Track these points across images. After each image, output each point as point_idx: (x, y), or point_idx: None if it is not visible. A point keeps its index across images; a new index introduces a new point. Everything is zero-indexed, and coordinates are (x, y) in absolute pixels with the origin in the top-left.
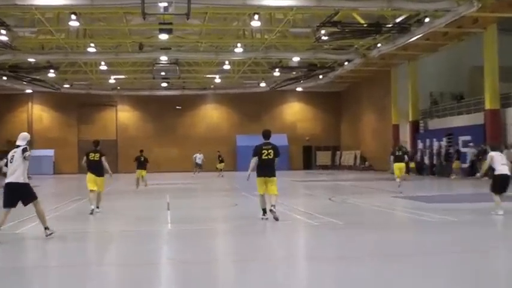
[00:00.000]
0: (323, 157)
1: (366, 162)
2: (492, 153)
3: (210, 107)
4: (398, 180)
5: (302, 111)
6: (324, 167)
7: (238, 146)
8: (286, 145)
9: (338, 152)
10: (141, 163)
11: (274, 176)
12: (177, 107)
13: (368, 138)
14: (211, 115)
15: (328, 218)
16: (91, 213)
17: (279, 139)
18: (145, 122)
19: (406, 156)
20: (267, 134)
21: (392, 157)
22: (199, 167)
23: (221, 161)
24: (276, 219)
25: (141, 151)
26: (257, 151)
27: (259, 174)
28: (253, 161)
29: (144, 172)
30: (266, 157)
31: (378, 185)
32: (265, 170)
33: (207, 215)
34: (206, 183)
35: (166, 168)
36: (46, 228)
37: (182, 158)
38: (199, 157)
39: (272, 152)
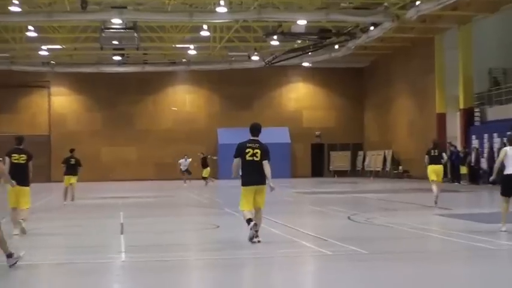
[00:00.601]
0: (340, 160)
1: (400, 167)
2: (506, 148)
3: (182, 89)
4: (434, 189)
5: (310, 96)
6: (341, 174)
7: (221, 144)
8: (287, 143)
9: (360, 153)
10: (71, 167)
11: (263, 183)
12: (173, 108)
13: (402, 133)
14: (183, 101)
15: (348, 245)
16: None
17: (277, 134)
18: (90, 110)
19: (444, 155)
20: (255, 129)
21: (427, 157)
22: (188, 174)
23: (205, 166)
24: (257, 241)
25: (72, 150)
26: (240, 150)
27: (245, 182)
28: (236, 163)
29: (73, 179)
30: (251, 158)
31: (417, 199)
32: (253, 175)
33: (177, 240)
34: (179, 196)
35: (120, 176)
36: None
37: (142, 161)
38: (184, 164)
39: (259, 152)
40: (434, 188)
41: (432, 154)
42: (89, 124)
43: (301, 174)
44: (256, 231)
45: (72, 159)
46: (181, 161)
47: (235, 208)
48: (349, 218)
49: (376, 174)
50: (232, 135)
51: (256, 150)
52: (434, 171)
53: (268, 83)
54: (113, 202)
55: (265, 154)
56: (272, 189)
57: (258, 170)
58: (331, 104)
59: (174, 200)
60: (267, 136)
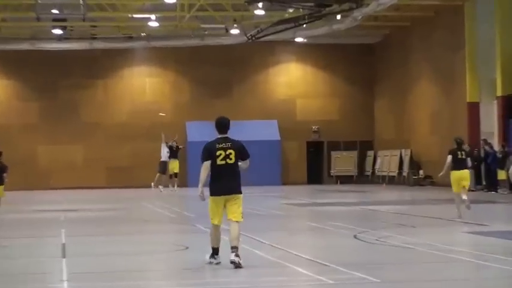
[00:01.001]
0: (343, 162)
1: (421, 171)
2: None
3: (141, 72)
4: (461, 197)
5: (305, 80)
6: (345, 180)
7: (191, 141)
8: (276, 140)
9: (370, 153)
10: None
11: (238, 191)
12: (161, 114)
13: (424, 128)
14: (142, 87)
15: (354, 272)
16: None
17: (263, 130)
18: (23, 99)
19: (469, 161)
20: (222, 126)
21: (450, 159)
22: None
23: (174, 156)
24: (239, 265)
25: None
26: (209, 152)
27: (213, 191)
28: (205, 168)
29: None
30: (223, 161)
31: (442, 212)
32: (224, 182)
33: (134, 266)
34: (138, 209)
35: (62, 183)
36: None
37: (91, 163)
38: (165, 154)
39: (233, 152)
40: (460, 196)
41: (459, 157)
42: (21, 116)
43: (294, 181)
44: (237, 254)
45: None
46: (163, 149)
47: (209, 223)
48: (355, 236)
49: (390, 181)
50: (205, 131)
51: (229, 151)
52: (459, 178)
53: (251, 64)
54: (53, 216)
55: (242, 152)
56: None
57: (231, 175)
58: (333, 90)
59: (131, 214)
60: (249, 132)
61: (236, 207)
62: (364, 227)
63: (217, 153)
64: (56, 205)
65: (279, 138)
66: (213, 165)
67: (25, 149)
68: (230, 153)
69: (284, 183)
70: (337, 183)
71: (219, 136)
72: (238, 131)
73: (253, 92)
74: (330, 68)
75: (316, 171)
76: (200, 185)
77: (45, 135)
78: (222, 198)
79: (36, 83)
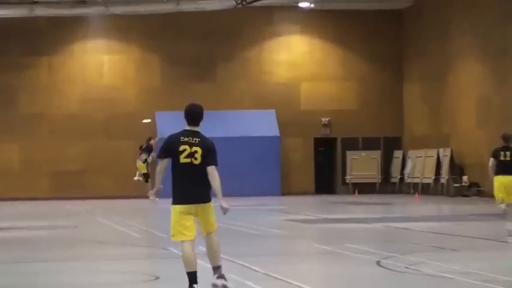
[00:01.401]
0: (363, 165)
1: (464, 177)
2: None
3: (97, 47)
4: (503, 205)
5: (313, 58)
6: (365, 188)
7: (162, 138)
8: (274, 137)
9: (398, 154)
10: None
11: (208, 199)
12: (145, 121)
13: (468, 120)
14: (99, 67)
15: None
16: None
17: (256, 123)
18: None
19: None
20: (194, 115)
21: (492, 161)
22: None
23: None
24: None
25: None
26: (169, 147)
27: (177, 198)
28: (161, 166)
29: None
30: (188, 160)
31: (491, 230)
32: (191, 187)
33: None
34: (92, 227)
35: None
36: None
37: (30, 166)
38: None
39: (199, 151)
40: (506, 210)
41: (502, 158)
42: None
43: (298, 190)
44: (221, 275)
45: None
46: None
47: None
48: (379, 263)
49: (425, 190)
50: (181, 123)
51: (195, 148)
52: (504, 185)
53: (241, 37)
54: None
55: (210, 155)
56: (224, 210)
57: (198, 179)
58: (348, 71)
59: (83, 234)
60: (239, 126)
61: (209, 216)
62: (390, 250)
63: (181, 148)
64: None
65: (277, 133)
66: (175, 164)
67: None
68: (196, 152)
69: (285, 193)
70: (354, 193)
71: (187, 128)
72: (224, 125)
73: (243, 73)
74: (345, 42)
75: (326, 178)
76: (157, 183)
77: None
78: (189, 208)
79: None
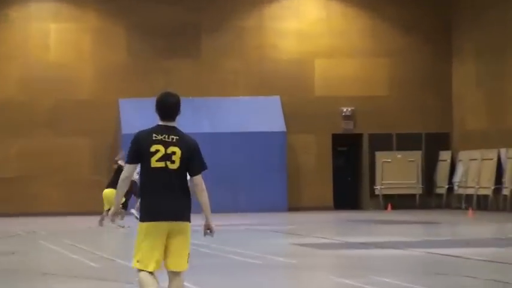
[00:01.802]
0: (399, 170)
1: None
2: None
3: (41, 12)
4: None
5: (330, 27)
6: (402, 201)
7: (126, 134)
8: (279, 132)
9: (445, 155)
10: None
11: (185, 218)
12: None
13: None
14: (43, 37)
15: None
16: None
17: (256, 114)
18: None
19: None
20: (167, 105)
21: None
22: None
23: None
24: None
25: None
26: (138, 147)
27: (145, 213)
28: (127, 174)
29: None
30: (161, 164)
31: None
32: (165, 199)
33: None
34: (34, 252)
35: None
36: None
37: None
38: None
39: (178, 152)
40: None
41: None
42: None
43: (312, 203)
44: None
45: None
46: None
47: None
48: None
49: (482, 203)
50: (153, 115)
51: (172, 149)
52: None
53: (234, 2)
54: None
55: (193, 158)
56: (208, 232)
57: (174, 188)
58: (379, 45)
59: (22, 262)
60: (230, 118)
61: (181, 245)
62: (435, 286)
63: (153, 148)
64: None
65: (283, 128)
66: (145, 169)
67: None
68: (173, 153)
69: (293, 209)
70: (386, 208)
71: (161, 123)
72: (211, 116)
73: (237, 47)
74: (373, 5)
75: (349, 188)
76: (116, 203)
77: None
78: (161, 226)
79: None
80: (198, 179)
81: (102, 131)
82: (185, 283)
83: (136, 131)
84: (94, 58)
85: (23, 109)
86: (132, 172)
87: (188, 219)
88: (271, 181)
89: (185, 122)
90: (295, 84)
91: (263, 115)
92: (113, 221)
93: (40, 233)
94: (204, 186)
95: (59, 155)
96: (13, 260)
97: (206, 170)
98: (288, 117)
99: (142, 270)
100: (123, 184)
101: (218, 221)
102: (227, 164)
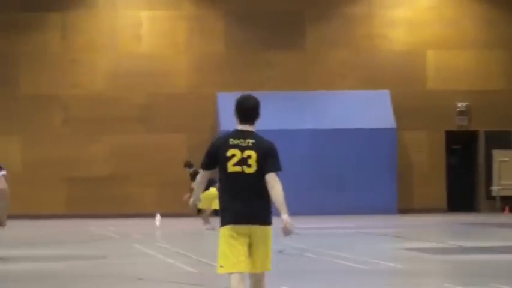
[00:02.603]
0: None
1: None
2: None
3: (132, 2)
4: None
5: (443, 16)
6: None
7: (224, 129)
8: (388, 128)
9: None
10: None
11: (266, 221)
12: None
13: None
14: (135, 27)
15: None
16: None
17: (363, 108)
18: None
19: None
20: (245, 108)
21: None
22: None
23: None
24: None
25: None
26: (214, 153)
27: (225, 218)
28: (201, 179)
29: None
30: (237, 168)
31: None
32: (240, 203)
33: None
34: (126, 256)
35: None
36: None
37: (35, 169)
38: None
39: (253, 156)
40: None
41: None
42: None
43: (424, 205)
44: None
45: None
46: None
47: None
48: None
49: None
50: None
51: (248, 152)
52: None
53: None
54: None
55: (268, 160)
56: (287, 232)
57: (252, 192)
58: (496, 35)
59: (114, 267)
60: (335, 113)
61: (262, 247)
62: None
63: (229, 153)
64: None
65: (393, 124)
66: (223, 175)
67: None
68: (249, 157)
69: (404, 211)
70: (503, 210)
71: (238, 128)
72: (316, 112)
73: (345, 38)
74: None
75: (464, 189)
76: (193, 196)
77: None
78: (241, 229)
79: None
80: (270, 176)
81: (199, 126)
82: None
83: (235, 125)
84: (190, 49)
85: (113, 104)
86: (206, 178)
87: (267, 223)
88: (379, 181)
89: (287, 118)
90: (405, 77)
91: (371, 110)
92: (204, 221)
93: (133, 236)
94: (275, 182)
95: (152, 153)
96: (105, 264)
97: (302, 170)
98: (397, 112)
99: (231, 274)
100: (197, 190)
101: (323, 223)
102: (332, 162)
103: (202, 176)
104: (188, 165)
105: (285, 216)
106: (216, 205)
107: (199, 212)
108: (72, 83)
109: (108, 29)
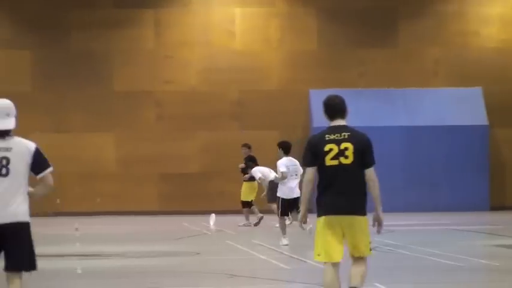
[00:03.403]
0: None
1: None
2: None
3: None
4: None
5: None
6: None
7: (317, 127)
8: (481, 126)
9: None
10: None
11: (360, 212)
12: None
13: None
14: (228, 23)
15: None
16: None
17: (454, 105)
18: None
19: None
20: (333, 107)
21: None
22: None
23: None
24: None
25: None
26: (314, 150)
27: (322, 209)
28: (309, 176)
29: None
30: (335, 162)
31: None
32: (338, 195)
33: None
34: (220, 251)
35: (78, 203)
36: None
37: (129, 164)
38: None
39: (350, 148)
40: None
41: None
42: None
43: None
44: None
45: None
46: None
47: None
48: None
49: None
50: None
51: (345, 144)
52: None
53: None
54: (63, 267)
55: (366, 152)
56: (379, 227)
57: (348, 183)
58: None
59: (207, 263)
60: (427, 110)
61: (359, 235)
62: None
63: (326, 147)
64: (68, 245)
65: (485, 122)
66: (321, 170)
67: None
68: (346, 148)
69: (496, 207)
70: None
71: (331, 124)
72: (408, 109)
73: (438, 34)
74: None
75: None
76: (303, 205)
77: (45, 114)
78: (334, 219)
79: (32, 19)
80: (370, 170)
81: (291, 124)
82: (381, 285)
83: (327, 122)
84: (282, 46)
85: (206, 101)
86: (312, 175)
87: (362, 213)
88: (471, 178)
89: (381, 115)
90: (498, 75)
91: (463, 108)
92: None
93: (227, 233)
94: (374, 177)
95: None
96: (198, 260)
97: (394, 167)
98: (490, 109)
99: (326, 263)
100: (307, 188)
101: (413, 219)
102: (425, 159)
103: (311, 173)
104: (248, 146)
105: (380, 212)
106: (253, 196)
107: (247, 205)
108: (165, 80)
109: (201, 25)
